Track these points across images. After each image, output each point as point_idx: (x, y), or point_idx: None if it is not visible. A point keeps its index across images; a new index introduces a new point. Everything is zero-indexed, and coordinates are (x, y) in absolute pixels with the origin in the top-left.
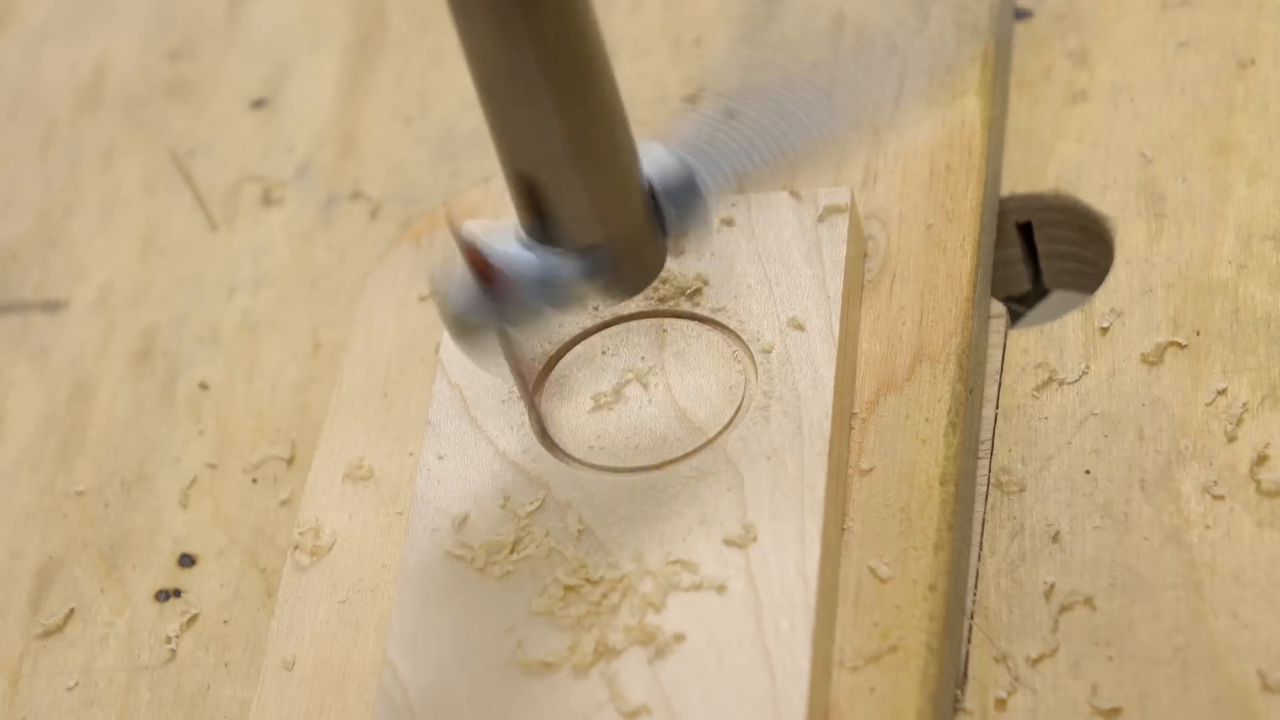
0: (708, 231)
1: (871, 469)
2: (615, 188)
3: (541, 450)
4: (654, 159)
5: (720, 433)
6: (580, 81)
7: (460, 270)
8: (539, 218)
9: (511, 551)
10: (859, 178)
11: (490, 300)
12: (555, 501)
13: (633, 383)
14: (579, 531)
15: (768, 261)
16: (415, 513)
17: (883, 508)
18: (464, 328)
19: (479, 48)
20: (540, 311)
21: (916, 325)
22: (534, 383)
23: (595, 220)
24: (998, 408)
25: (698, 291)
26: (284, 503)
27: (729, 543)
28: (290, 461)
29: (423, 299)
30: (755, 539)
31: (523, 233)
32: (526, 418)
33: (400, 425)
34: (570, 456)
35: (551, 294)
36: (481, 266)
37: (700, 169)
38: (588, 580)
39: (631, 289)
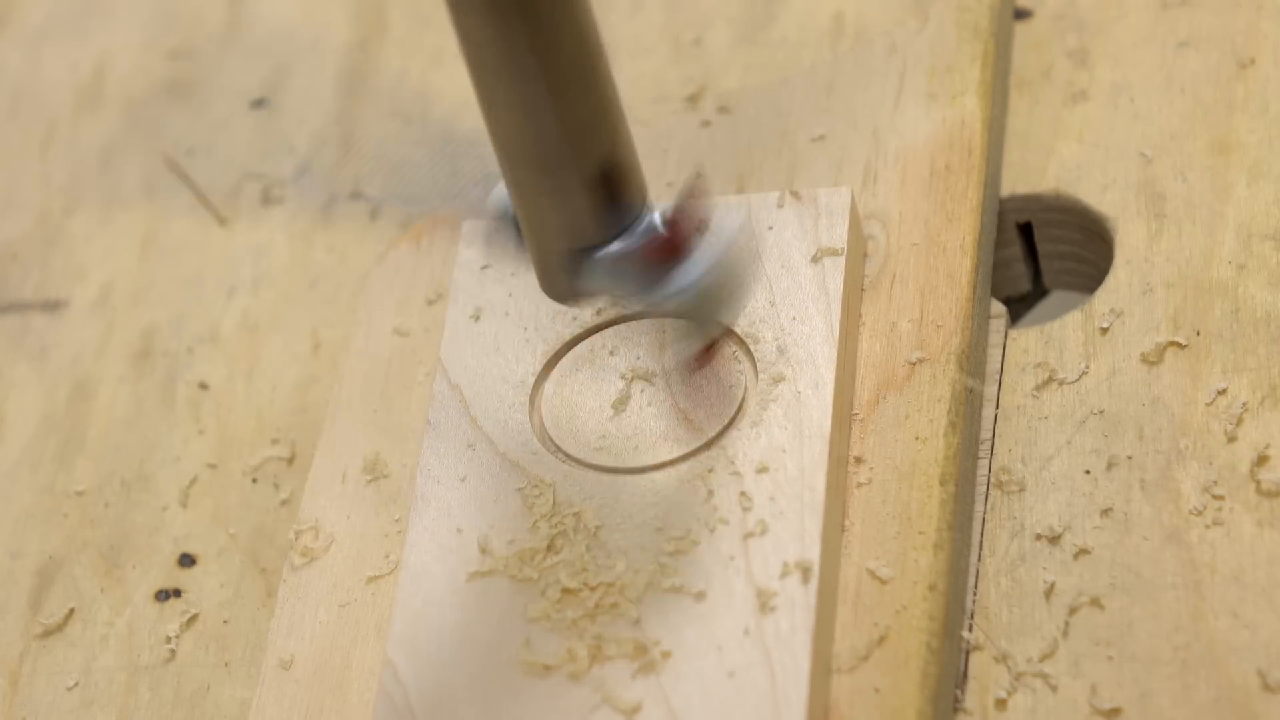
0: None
1: (871, 469)
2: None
3: (541, 450)
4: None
5: (720, 433)
6: (579, 81)
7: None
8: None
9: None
10: (859, 178)
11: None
12: (557, 503)
13: (634, 383)
14: (581, 533)
15: (768, 261)
16: (416, 512)
17: (882, 508)
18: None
19: (477, 50)
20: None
21: (916, 325)
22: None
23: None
24: (998, 408)
25: None
26: (284, 503)
27: (728, 543)
28: (290, 461)
29: (430, 302)
30: (754, 539)
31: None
32: None
33: (401, 425)
34: (570, 456)
35: None
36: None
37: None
38: (586, 585)
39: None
